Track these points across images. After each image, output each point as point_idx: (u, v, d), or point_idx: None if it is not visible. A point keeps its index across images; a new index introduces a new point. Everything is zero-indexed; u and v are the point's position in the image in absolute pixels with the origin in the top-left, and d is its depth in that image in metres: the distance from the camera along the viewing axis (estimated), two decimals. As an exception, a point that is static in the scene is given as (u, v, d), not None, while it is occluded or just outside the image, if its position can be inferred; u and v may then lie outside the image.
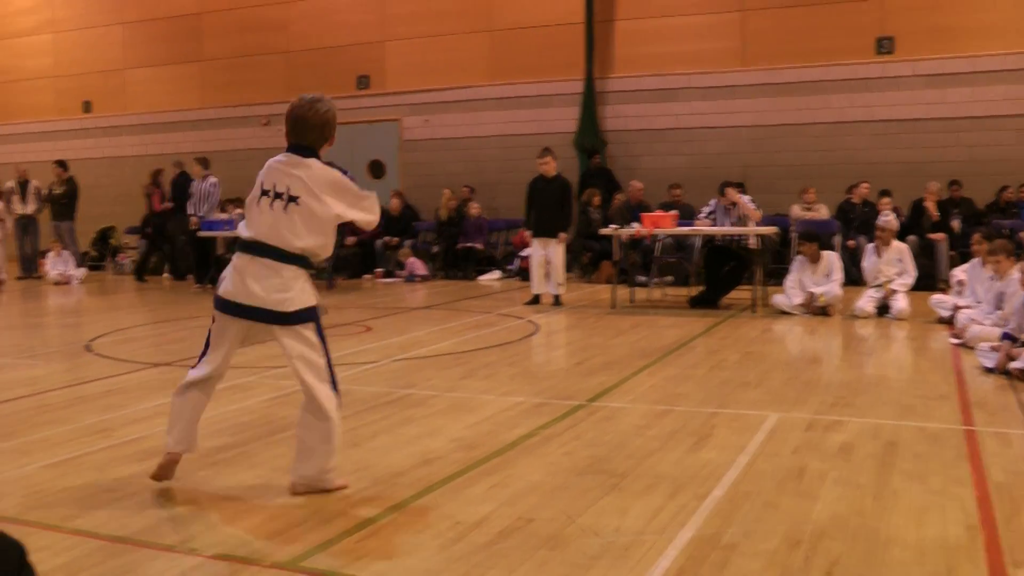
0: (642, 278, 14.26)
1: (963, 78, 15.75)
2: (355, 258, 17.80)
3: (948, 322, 9.95)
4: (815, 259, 11.32)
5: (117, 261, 21.00)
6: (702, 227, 12.20)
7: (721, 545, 3.80)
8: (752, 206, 12.05)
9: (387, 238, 18.00)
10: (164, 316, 12.35)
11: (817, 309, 11.07)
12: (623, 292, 12.91)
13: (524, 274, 15.86)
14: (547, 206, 12.46)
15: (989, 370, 7.45)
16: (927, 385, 7.03)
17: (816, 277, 11.27)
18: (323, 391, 4.49)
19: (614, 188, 17.31)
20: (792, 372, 7.62)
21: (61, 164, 19.18)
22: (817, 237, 11.76)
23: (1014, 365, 7.19)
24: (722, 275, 12.20)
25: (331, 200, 4.50)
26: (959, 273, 10.87)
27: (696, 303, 12.17)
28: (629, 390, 6.97)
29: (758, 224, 12.16)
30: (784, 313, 11.20)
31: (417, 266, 17.07)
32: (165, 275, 18.68)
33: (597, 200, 16.48)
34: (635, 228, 12.29)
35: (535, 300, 12.58)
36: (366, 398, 6.78)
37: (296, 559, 3.73)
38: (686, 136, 17.64)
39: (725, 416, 6.06)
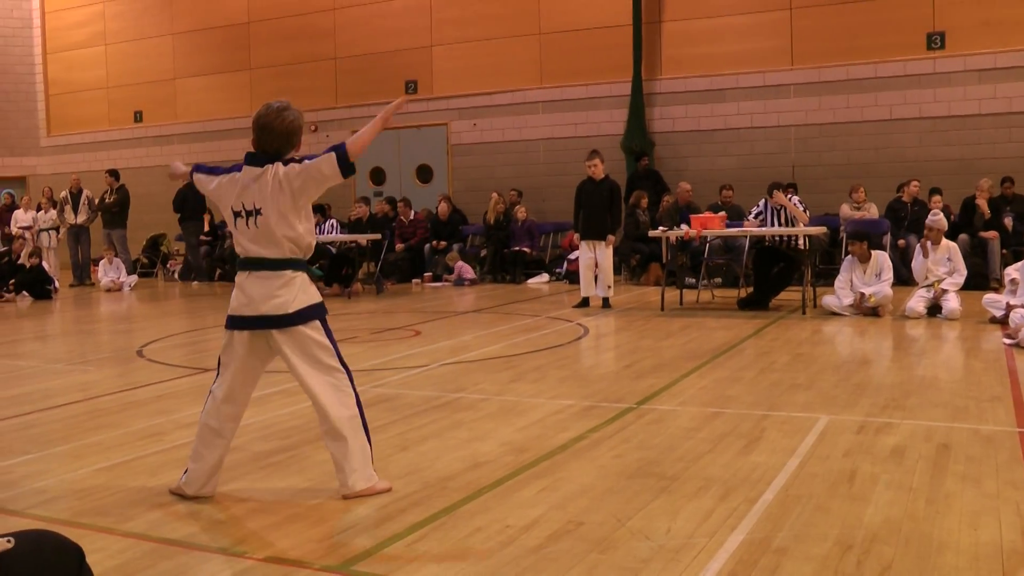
0: (691, 280, 14.20)
1: (1016, 72, 15.52)
2: (404, 262, 17.88)
3: (1001, 322, 9.79)
4: (865, 259, 11.20)
5: (168, 268, 21.29)
6: (750, 228, 12.12)
7: (772, 549, 3.77)
8: (800, 207, 11.94)
9: (435, 242, 18.08)
10: (213, 322, 12.46)
11: (867, 310, 10.96)
12: (672, 294, 12.85)
13: (572, 277, 15.88)
14: (595, 208, 12.43)
15: (1045, 370, 7.34)
16: (980, 386, 6.92)
17: (866, 277, 11.15)
18: (334, 407, 4.53)
19: (662, 190, 17.27)
20: (843, 374, 7.55)
21: (113, 173, 19.51)
22: (866, 236, 11.63)
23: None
24: (771, 276, 12.10)
25: (288, 189, 4.48)
26: (1012, 272, 10.68)
27: (745, 305, 12.09)
28: (679, 393, 6.94)
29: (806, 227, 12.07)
30: (834, 314, 11.10)
31: (465, 270, 17.11)
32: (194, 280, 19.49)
33: (645, 202, 16.44)
34: (684, 230, 12.24)
35: (584, 303, 12.57)
36: (415, 402, 6.80)
37: (346, 563, 3.75)
38: (734, 137, 17.55)
39: (775, 419, 6.01)
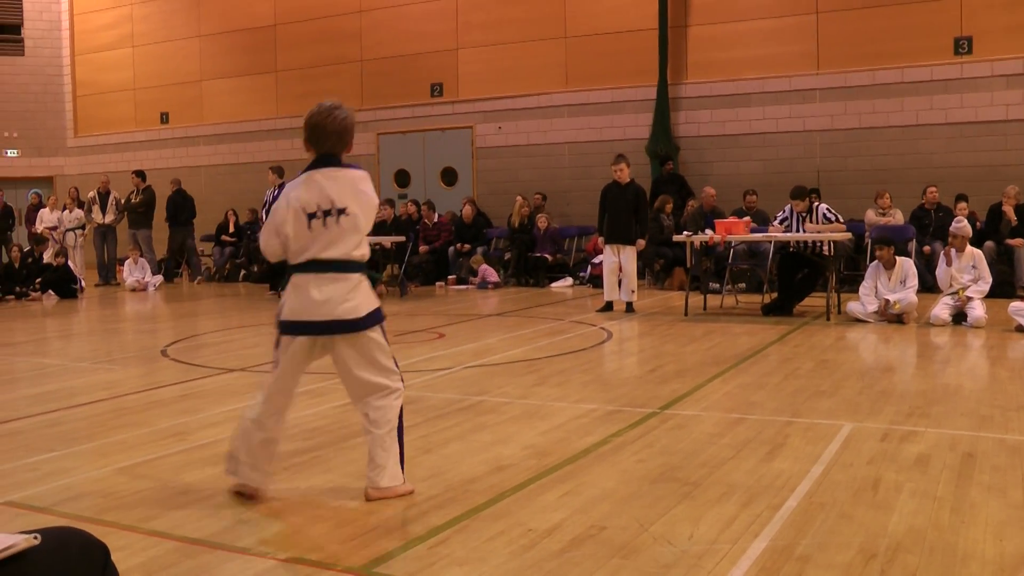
0: (715, 285, 14.16)
1: (1045, 78, 15.43)
2: (428, 265, 17.92)
3: (1028, 330, 9.75)
4: (890, 264, 11.13)
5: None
6: (775, 234, 12.08)
7: (795, 556, 3.76)
8: (832, 216, 11.76)
9: (459, 245, 18.10)
10: (238, 322, 12.52)
11: (892, 317, 10.90)
12: (696, 299, 12.82)
13: (596, 281, 15.85)
14: (620, 212, 12.41)
15: (1072, 379, 7.29)
16: (1005, 395, 6.88)
17: (891, 284, 11.09)
18: (386, 398, 4.56)
19: (687, 195, 17.23)
20: (867, 381, 7.51)
21: (139, 174, 19.64)
22: (892, 241, 11.57)
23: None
24: (795, 282, 12.06)
25: (364, 198, 4.57)
26: (1039, 280, 10.63)
27: (769, 310, 12.04)
28: (702, 398, 6.92)
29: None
30: (859, 321, 11.04)
31: (489, 273, 17.11)
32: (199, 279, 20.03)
33: (670, 207, 16.41)
34: (708, 235, 12.21)
35: (608, 307, 12.55)
36: (438, 405, 6.81)
37: (369, 564, 3.76)
38: (759, 141, 17.48)
39: (799, 425, 5.99)
